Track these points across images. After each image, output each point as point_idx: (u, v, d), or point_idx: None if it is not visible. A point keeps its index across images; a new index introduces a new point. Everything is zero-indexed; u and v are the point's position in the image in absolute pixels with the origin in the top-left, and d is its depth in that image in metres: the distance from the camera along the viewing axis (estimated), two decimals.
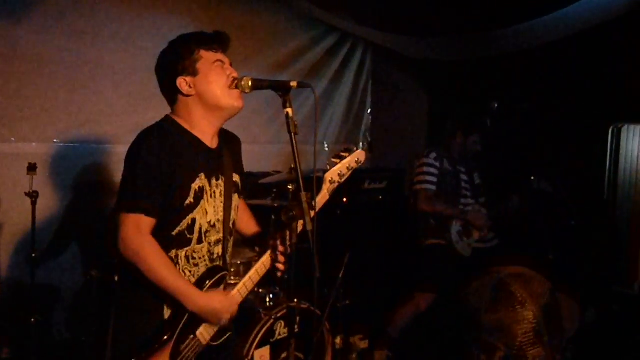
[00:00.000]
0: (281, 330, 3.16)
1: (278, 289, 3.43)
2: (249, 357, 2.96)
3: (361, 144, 6.33)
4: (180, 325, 2.00)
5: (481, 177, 4.32)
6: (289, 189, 3.81)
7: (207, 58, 2.11)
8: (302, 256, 3.25)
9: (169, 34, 4.31)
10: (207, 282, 2.06)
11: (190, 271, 2.06)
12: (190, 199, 2.01)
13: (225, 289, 2.13)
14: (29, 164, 3.34)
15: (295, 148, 2.00)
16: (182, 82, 2.07)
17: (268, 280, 3.72)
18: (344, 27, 5.44)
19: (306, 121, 4.68)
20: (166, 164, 1.96)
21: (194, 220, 2.03)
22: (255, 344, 3.00)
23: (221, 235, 2.15)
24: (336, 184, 2.28)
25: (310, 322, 3.09)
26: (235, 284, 2.16)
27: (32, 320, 3.41)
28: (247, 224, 2.44)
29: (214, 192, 2.09)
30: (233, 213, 2.21)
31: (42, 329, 3.56)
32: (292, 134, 1.98)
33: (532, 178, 4.27)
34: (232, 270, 3.76)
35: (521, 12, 4.14)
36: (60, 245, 3.95)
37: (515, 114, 4.71)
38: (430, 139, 5.97)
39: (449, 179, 4.06)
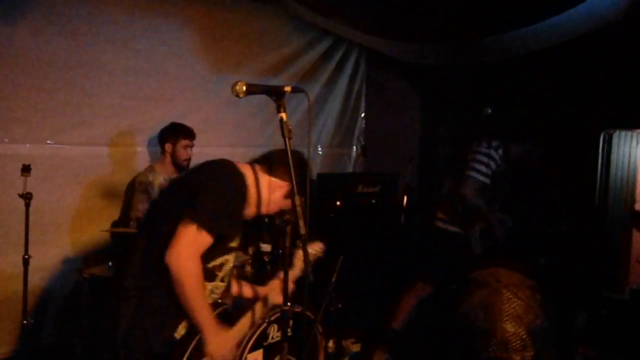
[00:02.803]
0: (274, 334, 3.16)
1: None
2: None
3: (355, 147, 6.36)
4: (191, 347, 2.10)
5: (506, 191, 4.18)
6: None
7: (288, 203, 2.37)
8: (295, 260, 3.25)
9: (164, 36, 4.38)
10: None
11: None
12: (234, 242, 2.31)
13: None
14: (23, 165, 3.33)
15: (289, 152, 2.02)
16: (283, 187, 2.37)
17: (261, 283, 3.74)
18: (338, 31, 5.46)
19: (300, 125, 4.69)
20: (242, 206, 2.19)
21: (226, 260, 2.29)
22: (248, 348, 2.99)
23: (223, 273, 2.37)
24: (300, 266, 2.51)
25: (303, 325, 3.10)
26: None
27: (25, 322, 3.40)
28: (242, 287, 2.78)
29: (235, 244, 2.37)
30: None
31: (35, 330, 3.55)
32: (286, 139, 2.00)
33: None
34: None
35: (514, 19, 4.17)
36: (54, 246, 3.94)
37: (508, 120, 4.74)
38: (422, 144, 6.00)
39: (498, 182, 3.89)
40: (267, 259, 3.72)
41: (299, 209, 1.99)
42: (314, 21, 5.23)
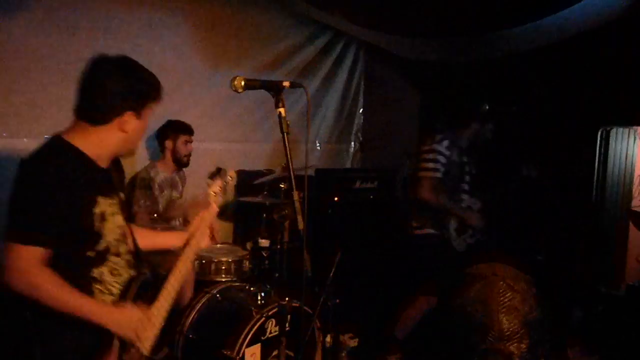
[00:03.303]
0: (272, 329, 3.18)
1: (269, 286, 3.45)
2: (240, 355, 2.97)
3: (353, 143, 6.36)
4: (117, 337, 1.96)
5: (477, 168, 4.18)
6: (281, 187, 3.83)
7: (150, 111, 2.11)
8: (293, 255, 3.28)
9: (162, 31, 4.37)
10: (131, 289, 2.06)
11: (116, 282, 2.04)
12: (96, 223, 1.97)
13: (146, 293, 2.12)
14: (21, 159, 3.32)
15: (287, 147, 2.02)
16: (131, 118, 2.02)
17: (259, 278, 3.76)
18: (337, 25, 5.46)
19: (298, 120, 4.69)
20: (65, 191, 1.86)
21: (106, 241, 2.00)
22: (246, 342, 3.01)
23: (131, 245, 2.18)
24: (220, 198, 2.44)
25: (300, 320, 3.11)
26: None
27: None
28: (143, 238, 2.39)
29: (112, 211, 2.05)
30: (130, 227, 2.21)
31: None
32: (285, 134, 2.00)
33: (522, 167, 4.23)
34: (223, 268, 3.80)
35: (513, 16, 4.17)
36: None
37: (505, 116, 4.75)
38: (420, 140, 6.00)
39: (454, 171, 3.89)
40: (265, 255, 3.72)
41: (297, 203, 1.99)
42: (312, 16, 5.23)
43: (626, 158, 4.51)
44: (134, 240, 2.20)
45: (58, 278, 1.85)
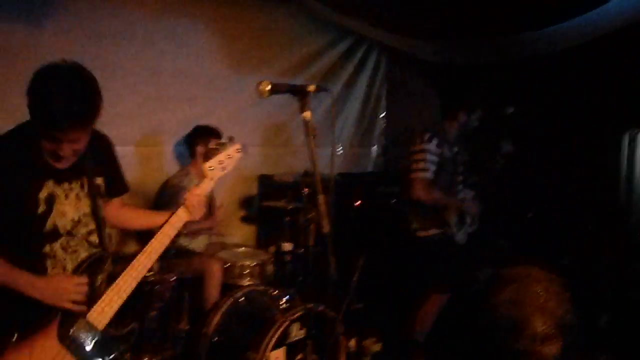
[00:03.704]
0: (296, 332, 3.18)
1: (292, 290, 3.46)
2: (264, 358, 2.98)
3: (375, 147, 6.35)
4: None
5: (468, 153, 4.17)
6: (304, 191, 3.84)
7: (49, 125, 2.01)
8: (317, 259, 3.28)
9: (186, 37, 4.42)
10: (84, 264, 2.13)
11: (70, 258, 2.15)
12: (41, 207, 2.07)
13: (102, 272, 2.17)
14: None
15: (312, 151, 2.03)
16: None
17: (283, 282, 3.77)
18: (358, 30, 5.46)
19: (320, 124, 4.66)
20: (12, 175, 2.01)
21: (54, 223, 2.10)
22: (270, 346, 3.02)
23: (93, 226, 2.23)
24: (218, 172, 2.39)
25: (324, 324, 3.11)
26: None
27: None
28: (132, 219, 2.53)
29: (68, 195, 2.15)
30: (100, 210, 2.26)
31: None
32: (310, 137, 2.01)
33: (501, 144, 4.19)
34: (247, 272, 3.82)
35: (538, 18, 4.13)
36: None
37: (532, 119, 4.70)
38: None
39: (448, 167, 3.89)
40: (288, 258, 3.73)
41: (322, 207, 1.99)
42: (334, 20, 5.24)
43: None
44: (100, 222, 2.24)
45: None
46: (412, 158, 3.84)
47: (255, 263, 3.84)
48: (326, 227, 2.01)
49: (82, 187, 2.19)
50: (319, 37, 5.37)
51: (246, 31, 4.84)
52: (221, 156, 2.40)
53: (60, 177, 2.12)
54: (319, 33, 5.36)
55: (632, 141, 4.46)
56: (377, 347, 4.06)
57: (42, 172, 2.09)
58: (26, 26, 3.66)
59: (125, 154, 4.15)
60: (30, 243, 2.07)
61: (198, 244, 4.09)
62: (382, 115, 6.38)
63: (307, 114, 2.03)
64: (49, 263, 2.10)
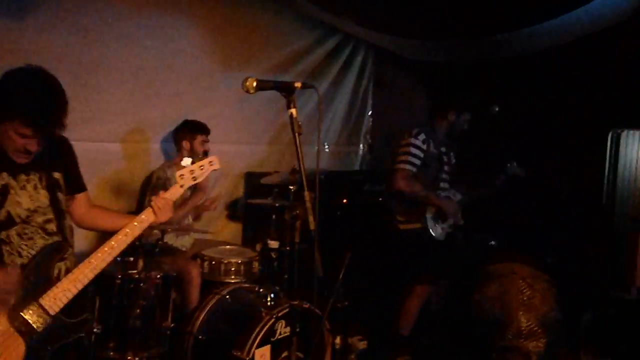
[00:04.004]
0: (282, 330, 3.18)
1: (278, 288, 3.45)
2: (250, 356, 2.97)
3: (361, 145, 6.36)
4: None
5: (456, 157, 4.24)
6: (290, 189, 3.83)
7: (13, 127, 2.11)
8: (302, 256, 3.29)
9: (172, 33, 4.39)
10: (42, 250, 2.21)
11: (26, 245, 2.21)
12: None
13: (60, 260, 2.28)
14: None
15: (299, 148, 2.03)
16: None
17: (269, 279, 3.76)
18: (346, 28, 5.46)
19: (307, 122, 4.66)
20: None
21: (8, 211, 2.18)
22: (256, 343, 3.02)
23: (51, 216, 2.28)
24: (189, 181, 2.48)
25: (310, 322, 3.11)
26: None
27: None
28: (101, 220, 2.56)
29: (25, 185, 2.22)
30: (59, 203, 2.34)
31: None
32: (296, 134, 2.01)
33: (508, 164, 4.25)
34: (233, 269, 3.81)
35: (523, 17, 4.16)
36: None
37: (516, 118, 4.73)
38: None
39: (433, 164, 3.97)
40: (274, 256, 3.73)
41: (308, 204, 1.99)
42: (321, 18, 5.24)
43: (637, 161, 4.48)
44: (59, 213, 2.31)
45: None
46: (398, 151, 3.94)
47: (241, 260, 3.84)
48: (312, 225, 2.01)
49: (40, 180, 2.26)
50: (306, 34, 5.37)
51: (233, 28, 4.82)
52: (194, 166, 2.49)
53: (15, 170, 2.20)
54: (306, 31, 5.36)
55: (616, 140, 4.51)
56: (362, 345, 4.08)
57: None
58: (10, 21, 3.61)
59: (112, 150, 4.13)
60: None
61: (184, 242, 4.07)
62: (369, 114, 6.39)
63: (294, 111, 2.02)
64: (5, 249, 2.17)
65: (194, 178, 2.48)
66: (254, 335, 3.03)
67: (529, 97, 4.90)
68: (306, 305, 3.07)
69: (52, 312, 2.13)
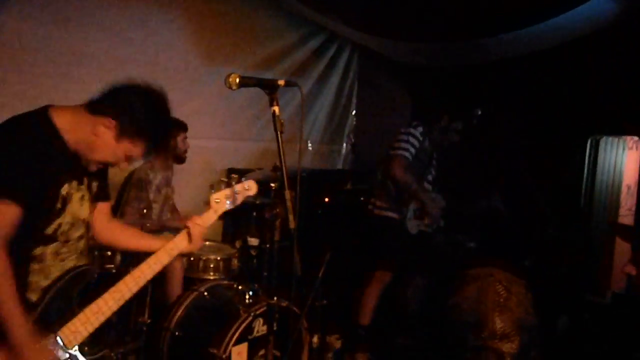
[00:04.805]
0: (259, 328, 3.17)
1: (257, 286, 3.44)
2: (227, 354, 2.96)
3: (345, 144, 6.36)
4: (34, 317, 1.89)
5: (437, 170, 4.27)
6: (272, 186, 3.82)
7: (128, 148, 2.01)
8: (282, 254, 3.27)
9: (156, 26, 4.35)
10: (67, 275, 2.00)
11: (57, 267, 2.01)
12: (58, 204, 1.96)
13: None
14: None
15: (280, 146, 2.02)
16: (110, 128, 1.96)
17: (247, 277, 3.75)
18: (331, 27, 5.46)
19: (291, 120, 4.65)
20: (39, 164, 1.86)
21: (60, 223, 1.98)
22: (233, 341, 3.00)
23: (82, 231, 2.10)
24: (224, 206, 2.30)
25: (288, 320, 3.10)
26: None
27: None
28: (123, 237, 2.34)
29: (77, 197, 2.03)
30: (90, 215, 2.16)
31: None
32: (278, 132, 1.99)
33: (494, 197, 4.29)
34: (212, 266, 3.79)
35: (505, 22, 4.19)
36: None
37: (498, 122, 4.77)
38: None
39: (424, 159, 4.03)
40: (254, 253, 3.71)
41: (288, 203, 1.98)
42: (307, 17, 5.23)
43: (615, 167, 4.55)
44: (88, 228, 2.13)
45: (9, 268, 1.79)
46: (398, 138, 3.97)
47: (220, 257, 3.81)
48: (293, 223, 2.01)
49: (88, 190, 2.07)
50: (292, 32, 5.36)
51: (218, 23, 4.79)
52: (229, 191, 2.32)
53: (74, 176, 2.00)
54: (292, 28, 5.35)
55: (595, 146, 4.56)
56: (339, 344, 4.08)
57: (69, 167, 1.97)
58: None
59: None
60: (25, 241, 1.90)
61: (163, 237, 4.03)
62: (352, 113, 6.40)
63: (276, 109, 2.01)
64: (33, 267, 1.95)
65: (232, 203, 2.32)
66: (231, 332, 3.01)
67: (509, 102, 4.94)
68: (284, 304, 3.06)
69: (70, 347, 1.94)
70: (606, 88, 4.37)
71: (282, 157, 2.03)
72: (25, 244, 1.90)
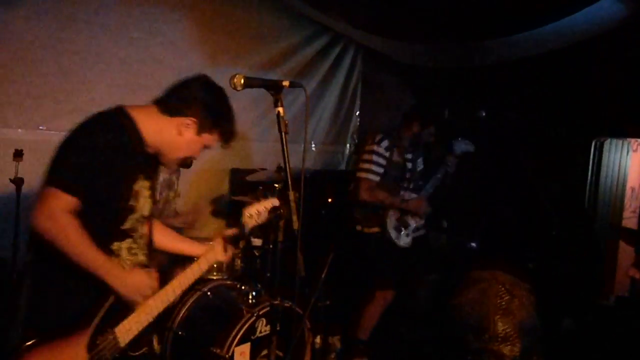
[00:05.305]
0: (262, 328, 3.17)
1: (260, 286, 3.44)
2: (229, 354, 2.96)
3: (348, 145, 6.36)
4: (101, 314, 1.98)
5: (425, 162, 4.27)
6: (275, 187, 3.82)
7: (209, 140, 2.20)
8: (286, 255, 3.26)
9: (161, 26, 4.36)
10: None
11: (130, 260, 2.11)
12: (132, 201, 2.06)
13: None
14: (16, 150, 3.31)
15: (285, 147, 2.02)
16: (192, 127, 2.12)
17: (251, 277, 3.75)
18: (336, 28, 5.46)
19: (295, 120, 4.63)
20: (111, 158, 1.95)
21: (133, 219, 2.09)
22: (236, 341, 3.00)
23: (146, 228, 2.21)
24: (254, 220, 2.40)
25: (290, 320, 3.10)
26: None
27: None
28: (164, 236, 2.47)
29: (146, 195, 2.15)
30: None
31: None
32: (283, 133, 2.00)
33: (453, 142, 4.20)
34: (215, 266, 3.78)
35: (510, 24, 4.19)
36: None
37: (502, 123, 4.76)
38: None
39: (394, 172, 4.01)
40: (257, 253, 3.71)
41: (292, 203, 1.99)
42: (312, 17, 5.23)
43: (619, 169, 4.53)
44: (150, 230, 2.25)
45: (82, 228, 1.89)
46: (361, 158, 4.00)
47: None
48: (296, 225, 2.01)
49: (150, 189, 2.17)
50: (296, 33, 5.35)
51: (222, 23, 4.80)
52: (260, 206, 2.42)
53: (146, 173, 2.11)
54: (296, 29, 5.34)
55: (599, 149, 4.55)
56: (341, 344, 4.08)
57: (144, 165, 2.10)
58: None
59: None
60: (104, 236, 2.01)
61: None
62: (356, 114, 6.39)
63: (281, 110, 2.01)
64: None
65: (258, 219, 2.43)
66: (234, 332, 3.02)
67: (514, 104, 4.93)
68: (287, 304, 3.06)
69: (122, 344, 2.04)
70: (610, 90, 4.36)
71: (286, 157, 2.03)
72: (103, 238, 2.00)
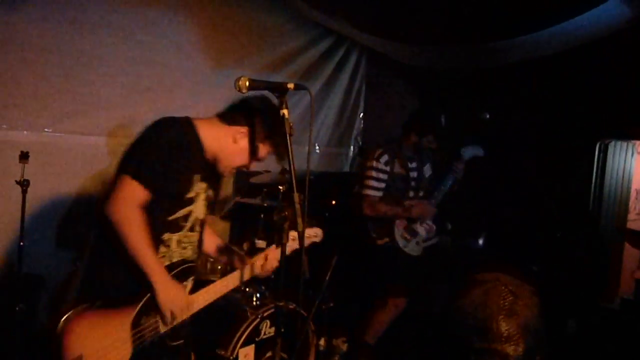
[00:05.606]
0: (266, 330, 3.18)
1: (264, 288, 3.45)
2: (234, 355, 2.97)
3: (352, 147, 6.36)
4: (149, 295, 2.09)
5: (433, 167, 4.28)
6: (280, 189, 3.83)
7: (263, 152, 2.35)
8: (290, 257, 3.27)
9: (166, 29, 4.37)
10: (180, 267, 2.24)
11: (179, 253, 2.25)
12: (191, 194, 2.21)
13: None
14: (21, 152, 3.32)
15: (290, 149, 2.03)
16: (246, 135, 2.29)
17: (255, 279, 3.75)
18: (339, 30, 5.47)
19: (299, 123, 4.67)
20: (178, 156, 2.12)
21: (190, 212, 2.23)
22: (240, 343, 3.01)
23: (199, 228, 2.36)
24: (296, 244, 2.34)
25: (295, 322, 3.11)
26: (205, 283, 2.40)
27: (17, 308, 3.39)
28: (210, 242, 2.62)
29: (202, 195, 2.30)
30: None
31: (26, 316, 3.54)
32: (288, 135, 2.01)
33: (462, 150, 4.20)
34: (219, 267, 3.79)
35: (514, 26, 4.19)
36: (49, 234, 3.93)
37: (506, 125, 4.76)
38: None
39: (398, 183, 4.03)
40: None
41: (297, 205, 1.99)
42: (315, 19, 5.23)
43: (624, 172, 4.52)
44: (202, 231, 2.39)
45: (145, 225, 2.04)
46: (363, 174, 4.03)
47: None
48: (300, 227, 2.02)
49: (207, 191, 2.32)
50: (300, 35, 5.36)
51: (227, 25, 4.81)
52: (310, 232, 2.67)
53: (203, 176, 2.26)
54: (300, 31, 5.35)
55: (604, 151, 4.54)
56: (346, 346, 4.08)
57: (202, 168, 2.24)
58: (3, 13, 3.59)
59: (100, 144, 4.10)
60: (158, 226, 2.14)
61: None
62: (360, 116, 6.40)
63: (285, 112, 2.02)
64: (161, 250, 2.18)
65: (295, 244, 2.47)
66: (238, 334, 3.02)
67: (518, 106, 4.93)
68: (292, 306, 3.06)
69: (162, 330, 2.15)
70: (615, 92, 4.36)
71: (291, 159, 2.04)
72: (156, 228, 2.14)
